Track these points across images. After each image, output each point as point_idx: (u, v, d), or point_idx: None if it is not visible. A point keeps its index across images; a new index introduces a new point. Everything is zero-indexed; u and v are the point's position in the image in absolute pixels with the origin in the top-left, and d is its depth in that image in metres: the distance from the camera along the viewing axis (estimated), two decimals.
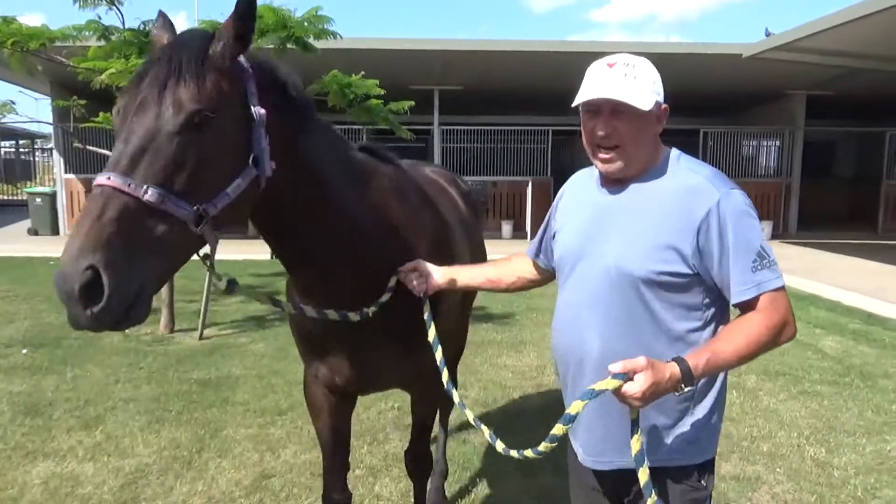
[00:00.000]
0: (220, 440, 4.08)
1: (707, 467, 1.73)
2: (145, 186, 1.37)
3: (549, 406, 4.65)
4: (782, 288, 1.60)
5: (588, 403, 1.51)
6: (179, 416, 4.46)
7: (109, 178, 1.37)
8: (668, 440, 1.69)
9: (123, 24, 6.04)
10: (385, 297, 1.98)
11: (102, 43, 5.96)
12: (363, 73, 6.91)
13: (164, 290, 6.64)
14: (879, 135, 16.68)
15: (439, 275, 2.05)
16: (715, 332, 1.66)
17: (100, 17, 6.08)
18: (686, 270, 1.61)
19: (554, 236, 1.92)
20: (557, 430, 1.57)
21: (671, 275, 1.60)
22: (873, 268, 11.17)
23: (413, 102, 7.49)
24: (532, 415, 4.54)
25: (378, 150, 2.24)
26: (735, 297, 1.59)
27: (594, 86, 1.64)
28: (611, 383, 1.46)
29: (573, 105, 1.70)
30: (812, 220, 16.72)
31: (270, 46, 5.63)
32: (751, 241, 1.58)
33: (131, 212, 1.36)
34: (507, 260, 2.20)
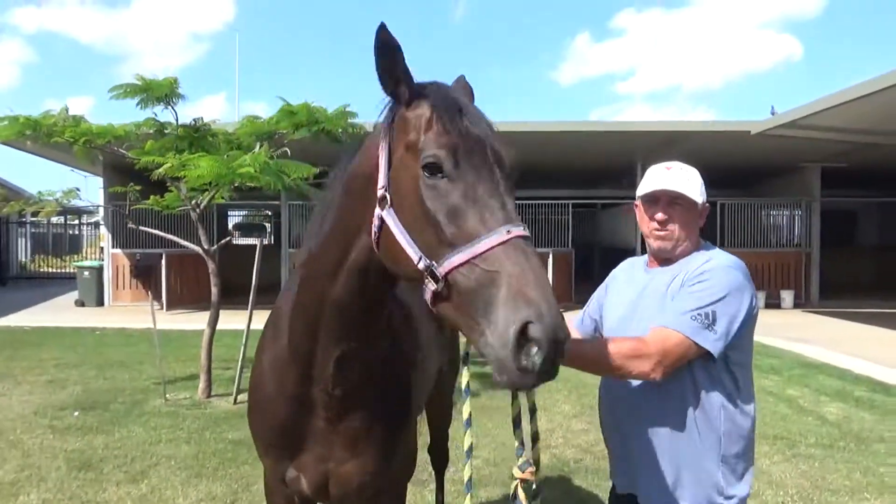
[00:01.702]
0: (252, 493, 4.51)
1: None
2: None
3: (555, 465, 4.99)
4: (684, 338, 1.82)
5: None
6: (215, 471, 4.91)
7: (525, 230, 1.38)
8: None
9: (177, 120, 6.88)
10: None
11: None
12: None
13: (204, 358, 7.22)
14: None
15: None
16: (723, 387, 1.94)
17: (156, 115, 6.95)
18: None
19: (601, 308, 2.26)
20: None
21: None
22: (887, 336, 11.27)
23: None
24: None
25: None
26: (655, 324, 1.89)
27: (657, 180, 2.04)
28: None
29: (638, 195, 2.10)
30: (835, 290, 16.80)
31: (303, 137, 6.38)
32: (697, 297, 1.87)
33: None
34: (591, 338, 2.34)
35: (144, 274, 15.71)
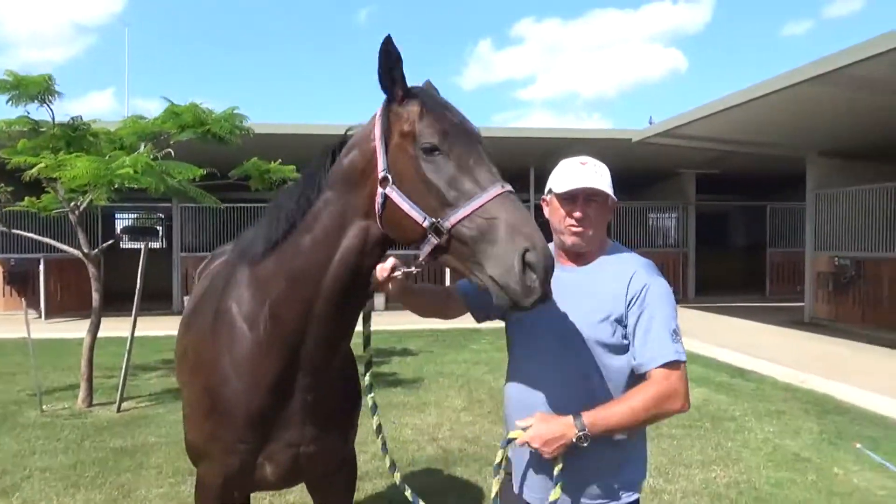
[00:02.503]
0: (133, 500, 4.44)
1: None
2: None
3: (439, 456, 5.22)
4: (681, 364, 1.90)
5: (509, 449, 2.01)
6: (94, 480, 4.78)
7: (509, 186, 1.71)
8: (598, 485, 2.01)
9: (53, 119, 6.59)
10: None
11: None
12: (280, 160, 7.62)
13: (84, 366, 6.94)
14: (762, 208, 18.53)
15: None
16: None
17: (29, 113, 6.62)
18: (623, 338, 1.97)
19: None
20: (495, 485, 2.02)
21: (617, 339, 1.96)
22: (751, 327, 12.39)
23: None
24: (423, 462, 5.09)
25: None
26: (645, 363, 1.91)
27: (574, 178, 2.01)
28: (515, 434, 1.90)
29: (558, 192, 2.04)
30: (709, 286, 18.17)
31: (190, 139, 6.29)
32: (665, 321, 1.93)
33: None
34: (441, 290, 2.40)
35: (19, 280, 14.73)
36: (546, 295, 1.62)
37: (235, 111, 6.32)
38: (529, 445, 1.86)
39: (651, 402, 1.85)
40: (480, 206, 1.65)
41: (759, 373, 8.39)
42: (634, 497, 2.05)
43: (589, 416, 1.83)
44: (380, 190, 1.80)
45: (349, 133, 2.02)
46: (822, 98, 9.33)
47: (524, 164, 16.65)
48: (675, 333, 1.93)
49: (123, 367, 6.82)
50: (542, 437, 1.83)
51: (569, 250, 2.08)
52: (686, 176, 17.85)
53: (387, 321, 13.56)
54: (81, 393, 6.92)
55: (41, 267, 14.11)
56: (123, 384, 6.82)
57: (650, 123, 13.58)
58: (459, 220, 1.66)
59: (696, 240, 18.06)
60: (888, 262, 11.46)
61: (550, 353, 2.01)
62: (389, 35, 1.76)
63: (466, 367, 8.76)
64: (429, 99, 1.84)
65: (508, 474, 2.16)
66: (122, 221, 26.86)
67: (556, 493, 1.90)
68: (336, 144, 2.02)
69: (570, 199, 2.03)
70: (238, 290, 2.11)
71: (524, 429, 1.88)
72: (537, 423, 1.85)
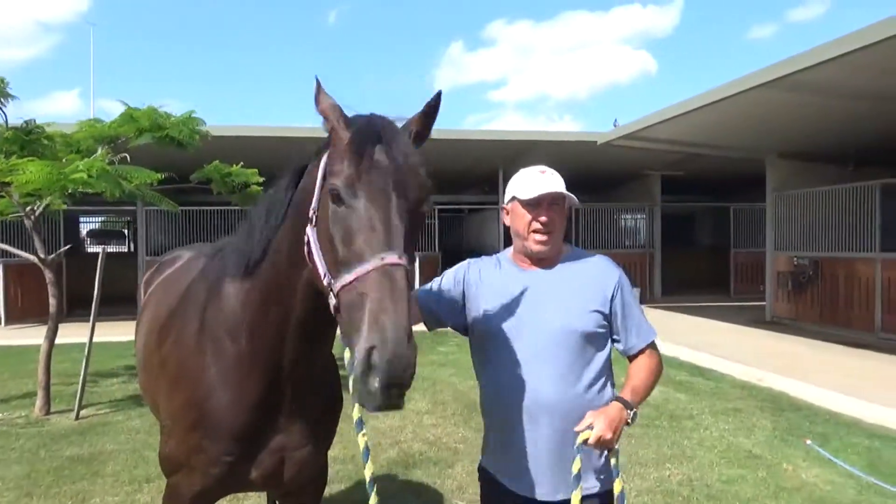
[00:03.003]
0: None
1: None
2: (405, 256, 1.53)
3: (400, 459, 5.25)
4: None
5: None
6: (49, 489, 4.71)
7: (400, 257, 1.49)
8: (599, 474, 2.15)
9: (6, 121, 6.47)
10: None
11: None
12: (242, 163, 7.57)
13: (41, 374, 6.82)
14: (726, 209, 18.89)
15: None
16: (612, 375, 2.22)
17: None
18: (604, 326, 2.16)
19: (464, 306, 2.26)
20: (574, 499, 1.94)
21: (598, 327, 2.14)
22: (714, 326, 12.63)
23: None
24: (383, 465, 5.11)
25: None
26: (639, 343, 2.20)
27: (538, 184, 2.11)
28: (585, 435, 1.94)
29: (524, 199, 2.12)
30: (676, 286, 18.46)
31: (147, 142, 6.22)
32: (638, 304, 2.27)
33: (409, 282, 1.52)
34: None
35: None
36: (391, 402, 1.44)
37: (193, 115, 6.27)
38: (601, 441, 1.94)
39: (657, 371, 2.22)
40: (358, 278, 1.49)
41: (718, 371, 8.56)
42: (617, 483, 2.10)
43: (629, 395, 2.07)
44: (308, 228, 1.69)
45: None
46: (776, 102, 9.57)
47: (493, 166, 16.76)
48: (643, 312, 2.27)
49: (82, 373, 6.72)
50: (612, 424, 1.95)
51: (535, 256, 2.19)
52: (652, 178, 18.12)
53: None
54: (38, 401, 6.80)
55: (0, 272, 13.80)
56: (82, 391, 6.71)
57: (615, 126, 13.76)
58: (343, 286, 1.53)
59: (662, 240, 18.33)
60: (844, 262, 11.77)
61: (541, 349, 2.10)
62: (317, 77, 1.72)
63: (433, 370, 8.78)
64: (360, 131, 1.63)
65: (488, 482, 2.28)
66: (89, 225, 26.42)
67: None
68: (302, 166, 1.92)
69: (535, 204, 2.12)
70: (220, 303, 2.11)
71: (586, 428, 1.96)
72: (597, 419, 1.96)
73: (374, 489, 2.05)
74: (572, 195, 2.18)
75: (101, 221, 28.96)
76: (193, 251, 2.95)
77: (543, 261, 2.19)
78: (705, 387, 7.63)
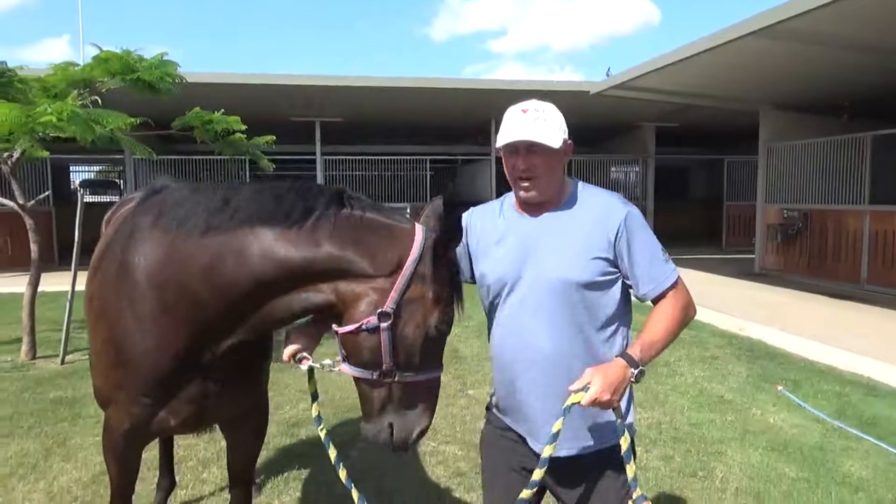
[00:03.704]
0: (67, 448, 4.48)
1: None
2: None
3: None
4: (679, 278, 2.00)
5: (565, 417, 1.82)
6: (30, 430, 4.80)
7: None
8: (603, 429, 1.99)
9: None
10: None
11: None
12: (223, 109, 7.46)
13: (25, 318, 6.87)
14: (720, 161, 18.78)
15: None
16: (627, 323, 2.04)
17: None
18: (610, 273, 1.95)
19: (469, 256, 2.14)
20: (546, 451, 1.83)
21: (601, 276, 1.94)
22: (703, 278, 12.70)
23: (274, 137, 8.11)
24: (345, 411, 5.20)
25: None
26: (652, 290, 1.95)
27: (513, 129, 1.94)
28: (577, 397, 1.78)
29: (497, 147, 2.01)
30: (669, 239, 18.33)
31: (119, 86, 6.11)
32: (655, 244, 1.98)
33: None
34: None
35: None
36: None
37: (165, 57, 6.14)
38: (598, 402, 1.77)
39: (680, 318, 1.97)
40: (428, 380, 1.94)
41: (701, 321, 8.63)
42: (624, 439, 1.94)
43: (636, 351, 1.86)
44: (372, 318, 1.84)
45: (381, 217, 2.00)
46: (768, 51, 9.39)
47: (485, 116, 16.57)
48: (664, 252, 2.00)
49: (65, 319, 6.78)
50: (611, 385, 1.77)
51: (527, 202, 2.04)
52: (646, 129, 17.96)
53: None
54: (24, 346, 6.88)
55: None
56: (66, 337, 6.78)
57: (608, 75, 13.54)
58: (407, 381, 1.88)
59: (656, 193, 18.28)
60: (833, 214, 11.77)
61: (537, 301, 1.97)
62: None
63: None
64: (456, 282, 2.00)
65: (490, 424, 2.21)
66: (82, 175, 26.26)
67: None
68: (342, 195, 2.03)
69: (513, 150, 1.98)
70: (146, 248, 2.06)
71: (581, 390, 1.78)
72: (596, 376, 1.77)
73: (331, 443, 2.14)
74: (548, 138, 1.93)
75: (97, 171, 28.78)
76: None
77: (542, 205, 2.02)
78: (685, 335, 7.70)
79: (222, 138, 7.67)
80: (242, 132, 7.65)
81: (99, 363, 2.22)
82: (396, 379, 1.85)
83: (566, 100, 16.05)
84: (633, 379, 1.82)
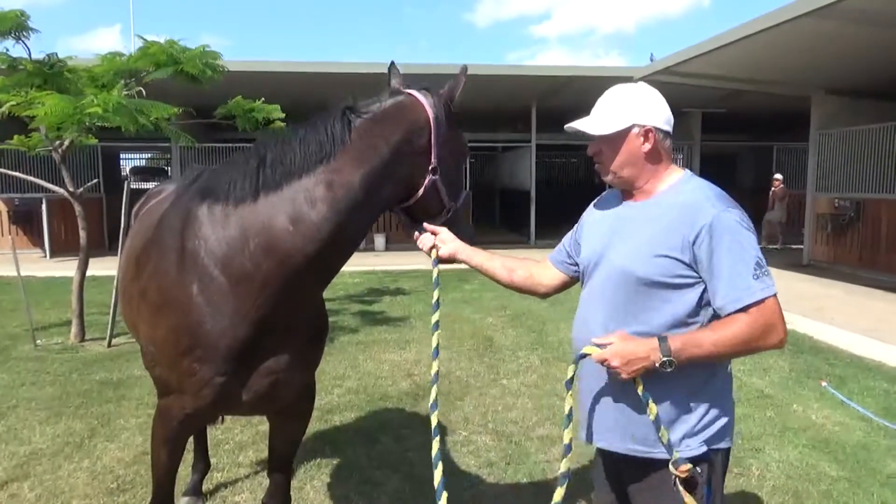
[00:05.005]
0: (111, 428, 4.64)
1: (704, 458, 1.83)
2: None
3: (411, 391, 5.38)
4: (773, 296, 1.75)
5: (580, 369, 1.90)
6: (77, 410, 4.99)
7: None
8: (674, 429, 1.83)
9: (30, 56, 6.56)
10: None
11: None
12: (263, 98, 7.57)
13: (74, 302, 7.13)
14: (769, 148, 18.19)
15: (457, 246, 2.27)
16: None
17: (7, 50, 6.60)
18: (681, 276, 1.79)
19: (579, 243, 2.16)
20: (568, 400, 1.93)
21: (668, 278, 1.80)
22: None
23: None
24: (394, 396, 5.25)
25: None
26: (730, 304, 1.74)
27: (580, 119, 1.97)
28: (592, 349, 1.79)
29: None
30: None
31: (163, 77, 6.25)
32: (744, 255, 1.74)
33: None
34: (532, 260, 2.35)
35: (24, 220, 14.96)
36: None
37: (207, 49, 6.24)
38: (606, 363, 1.76)
39: (743, 335, 1.73)
40: (464, 198, 2.34)
41: None
42: (701, 451, 1.81)
43: (675, 342, 1.73)
44: (429, 176, 2.15)
45: (363, 105, 2.15)
46: (824, 33, 9.03)
47: (527, 102, 16.42)
48: (759, 266, 1.75)
49: (112, 303, 7.00)
50: (624, 355, 1.73)
51: (615, 187, 2.05)
52: (692, 115, 17.51)
53: (385, 262, 13.75)
54: (73, 328, 7.14)
55: (44, 206, 14.30)
56: (113, 320, 7.01)
57: (651, 61, 13.23)
58: (454, 205, 2.27)
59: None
60: (888, 204, 11.30)
61: (601, 289, 1.94)
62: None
63: (455, 307, 8.88)
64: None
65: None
66: (133, 162, 27.08)
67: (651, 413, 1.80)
68: (346, 107, 2.11)
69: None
70: (206, 231, 2.07)
71: (601, 346, 1.77)
72: (618, 341, 1.75)
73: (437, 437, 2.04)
74: (597, 127, 1.92)
75: (148, 159, 29.64)
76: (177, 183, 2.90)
77: (637, 193, 1.96)
78: None
79: (263, 127, 7.79)
80: (283, 120, 7.76)
81: (163, 353, 2.18)
82: (457, 205, 2.29)
83: (610, 85, 15.84)
84: (657, 364, 1.72)
